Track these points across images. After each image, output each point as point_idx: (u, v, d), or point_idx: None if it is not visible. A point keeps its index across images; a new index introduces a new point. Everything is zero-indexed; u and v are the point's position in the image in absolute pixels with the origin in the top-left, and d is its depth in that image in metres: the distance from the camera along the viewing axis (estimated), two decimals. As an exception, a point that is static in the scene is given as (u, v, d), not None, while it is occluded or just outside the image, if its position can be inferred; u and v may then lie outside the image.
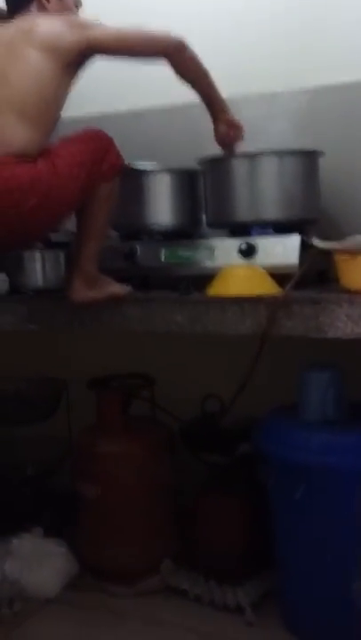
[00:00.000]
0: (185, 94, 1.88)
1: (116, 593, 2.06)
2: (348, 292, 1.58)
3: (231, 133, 1.91)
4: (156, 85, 2.01)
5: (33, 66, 1.69)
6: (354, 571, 1.43)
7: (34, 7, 1.84)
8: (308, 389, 1.77)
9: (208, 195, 1.96)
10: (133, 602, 2.03)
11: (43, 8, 1.84)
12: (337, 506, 1.66)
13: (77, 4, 1.93)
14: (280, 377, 1.84)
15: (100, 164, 1.71)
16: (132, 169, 1.92)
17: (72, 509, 2.17)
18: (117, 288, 1.82)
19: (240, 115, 1.92)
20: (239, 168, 1.86)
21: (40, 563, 2.10)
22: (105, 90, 2.22)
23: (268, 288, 1.68)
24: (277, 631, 1.84)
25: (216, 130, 1.91)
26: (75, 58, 1.74)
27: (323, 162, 1.92)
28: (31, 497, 2.35)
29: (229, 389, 1.83)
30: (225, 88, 1.88)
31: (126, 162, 1.81)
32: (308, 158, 1.88)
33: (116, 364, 2.20)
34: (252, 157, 1.85)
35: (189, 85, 1.85)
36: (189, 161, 2.00)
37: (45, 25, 1.74)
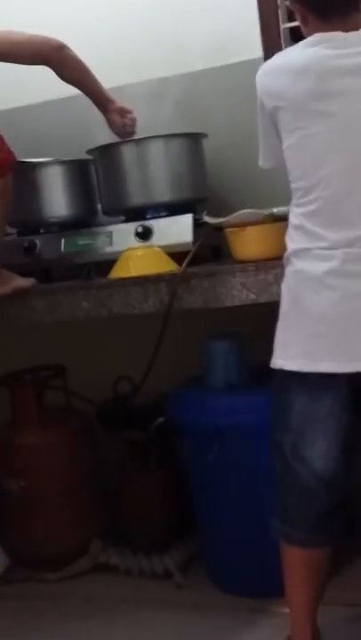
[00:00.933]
0: (68, 88, 1.94)
1: (48, 579, 2.11)
2: (240, 262, 1.70)
3: (126, 120, 1.98)
4: (40, 81, 2.04)
5: None
6: (269, 513, 1.54)
7: None
8: (212, 358, 1.88)
9: (101, 183, 2.02)
10: (67, 584, 2.09)
11: None
12: (247, 460, 1.77)
13: None
14: (187, 351, 1.94)
15: None
16: (24, 163, 1.95)
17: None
18: (22, 281, 1.85)
19: (127, 101, 2.00)
20: (128, 154, 1.94)
21: (-30, 560, 2.12)
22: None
23: (167, 266, 1.77)
24: (206, 589, 1.95)
25: (109, 121, 1.98)
26: None
27: (208, 143, 2.02)
28: None
29: (140, 369, 1.92)
30: (109, 78, 1.96)
31: (17, 157, 1.85)
32: (193, 140, 1.97)
33: (27, 358, 2.23)
34: (139, 143, 1.94)
35: (73, 85, 1.91)
36: (80, 152, 2.06)
37: None
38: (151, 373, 1.90)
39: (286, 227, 1.46)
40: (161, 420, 1.99)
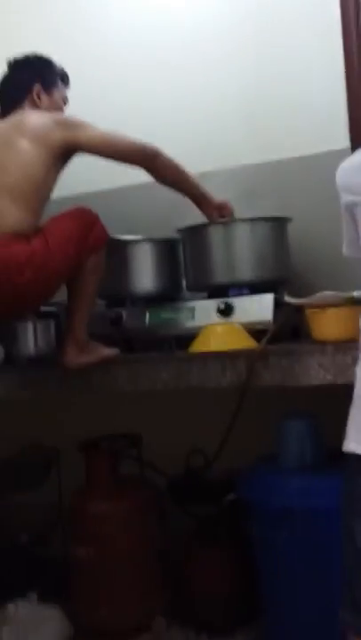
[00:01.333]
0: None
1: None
2: (319, 342, 1.72)
3: (223, 215, 2.07)
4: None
5: (25, 154, 1.86)
6: (338, 601, 1.49)
7: (27, 105, 2.03)
8: (287, 438, 1.88)
9: (187, 261, 2.12)
10: (129, 660, 2.06)
11: (35, 106, 2.03)
12: (318, 544, 1.74)
13: (65, 101, 2.13)
14: (261, 429, 1.94)
15: (88, 238, 1.86)
16: (116, 240, 2.07)
17: (65, 573, 2.21)
18: (107, 351, 1.93)
19: (218, 186, 2.10)
20: (215, 235, 2.03)
21: (36, 627, 2.11)
22: (87, 171, 2.40)
23: (247, 343, 1.81)
24: None
25: (208, 218, 2.08)
26: (61, 151, 1.92)
27: (291, 227, 2.09)
28: (25, 564, 2.37)
29: (214, 443, 1.93)
30: (202, 163, 2.09)
31: (110, 235, 1.97)
32: (278, 224, 2.05)
33: (105, 426, 2.29)
34: (226, 225, 2.03)
35: (169, 187, 2.02)
36: (168, 231, 2.17)
37: (34, 119, 1.94)
38: (224, 449, 1.91)
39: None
40: (232, 496, 1.99)
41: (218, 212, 2.08)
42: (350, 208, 1.49)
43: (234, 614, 2.02)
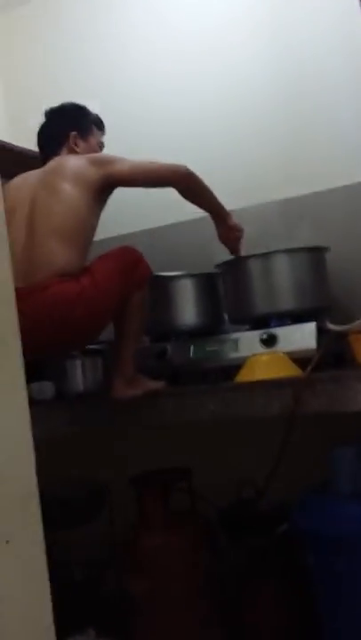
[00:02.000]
0: (195, 210, 2.14)
1: None
2: (364, 367, 1.74)
3: (233, 235, 2.14)
4: (170, 204, 2.26)
5: (68, 197, 1.95)
6: None
7: (64, 152, 2.14)
8: (338, 465, 1.88)
9: (228, 294, 2.16)
10: None
11: (72, 152, 2.13)
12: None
13: (101, 146, 2.23)
14: (310, 456, 1.94)
15: (133, 274, 1.92)
16: (159, 277, 2.13)
17: (120, 609, 2.22)
18: (154, 384, 1.97)
19: (256, 220, 2.15)
20: (254, 267, 2.08)
21: (94, 662, 2.12)
22: (125, 212, 2.49)
23: (292, 371, 1.83)
24: None
25: (219, 233, 2.15)
26: (100, 189, 2.00)
27: (330, 256, 2.13)
28: (81, 601, 2.39)
29: (264, 473, 1.94)
30: (243, 198, 2.18)
31: (154, 272, 2.03)
32: (316, 253, 2.09)
33: (155, 460, 2.31)
34: (264, 257, 2.07)
35: (194, 203, 2.09)
36: (207, 267, 2.22)
37: (71, 162, 2.03)
38: (275, 478, 1.91)
39: None
40: (285, 526, 1.98)
41: (229, 231, 2.13)
42: None
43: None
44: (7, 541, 0.97)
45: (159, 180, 2.04)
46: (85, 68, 2.76)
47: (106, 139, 2.25)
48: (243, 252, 2.17)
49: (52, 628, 1.08)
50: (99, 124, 2.24)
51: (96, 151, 2.20)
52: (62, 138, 2.15)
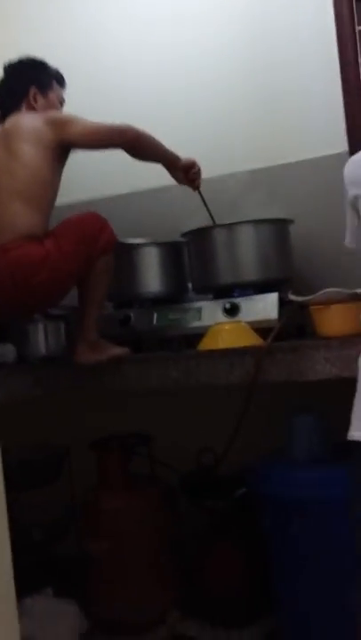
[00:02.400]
0: (163, 178, 2.14)
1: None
2: (324, 338, 1.78)
3: (189, 175, 2.14)
4: (137, 171, 2.26)
5: (28, 157, 1.94)
6: (351, 591, 1.55)
7: (23, 108, 2.10)
8: (295, 432, 1.94)
9: (193, 263, 2.18)
10: (144, 653, 2.11)
11: (31, 108, 2.11)
12: (329, 534, 1.79)
13: (61, 102, 2.20)
14: (269, 425, 2.00)
15: (98, 240, 1.92)
16: (123, 244, 2.14)
17: (79, 569, 2.27)
18: (117, 350, 1.99)
19: (223, 190, 2.17)
20: (219, 237, 2.09)
21: (52, 621, 2.16)
22: (92, 178, 2.47)
23: (253, 341, 1.87)
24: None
25: (176, 178, 2.15)
26: (57, 149, 1.99)
27: (294, 228, 2.16)
28: (40, 560, 2.42)
29: (224, 440, 1.99)
30: (209, 169, 2.17)
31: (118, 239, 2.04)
32: (280, 225, 2.11)
33: (116, 425, 2.34)
34: (229, 227, 2.09)
35: (144, 160, 2.08)
36: (172, 235, 2.23)
37: (27, 122, 2.01)
38: (234, 445, 1.96)
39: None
40: (243, 490, 2.04)
41: (185, 173, 2.13)
42: (355, 201, 1.55)
43: (248, 607, 2.07)
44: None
45: (110, 141, 2.02)
46: (55, 34, 2.69)
47: (73, 102, 2.22)
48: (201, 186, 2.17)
49: (12, 584, 1.11)
50: (59, 79, 2.20)
51: (56, 107, 2.17)
52: (21, 93, 2.11)
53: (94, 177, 2.21)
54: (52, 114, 2.11)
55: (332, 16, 2.24)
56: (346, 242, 1.68)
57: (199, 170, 2.16)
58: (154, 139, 2.06)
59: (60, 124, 1.99)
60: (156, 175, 2.20)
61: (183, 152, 2.07)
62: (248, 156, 2.36)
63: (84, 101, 2.26)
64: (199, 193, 2.18)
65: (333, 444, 1.89)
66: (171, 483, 2.28)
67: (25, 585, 2.26)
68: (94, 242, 1.92)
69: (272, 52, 2.37)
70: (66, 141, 1.99)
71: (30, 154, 1.95)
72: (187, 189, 2.18)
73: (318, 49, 2.28)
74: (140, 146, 2.03)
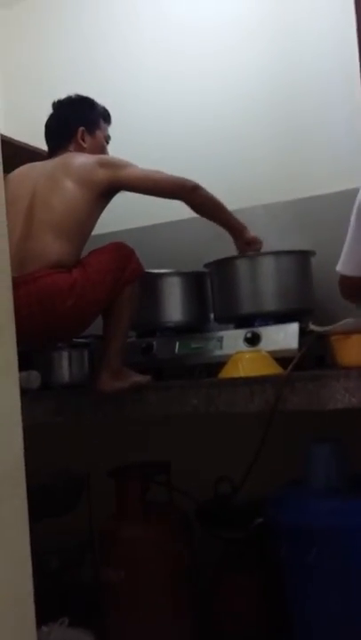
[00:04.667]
0: (186, 210, 2.19)
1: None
2: (344, 367, 1.80)
3: (251, 249, 2.18)
4: (164, 203, 2.32)
5: (69, 194, 2.00)
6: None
7: (71, 147, 2.18)
8: (314, 461, 1.94)
9: (215, 293, 2.22)
10: None
11: (80, 147, 2.18)
12: (347, 564, 1.79)
13: (107, 140, 2.28)
14: (288, 454, 2.01)
15: (124, 270, 1.97)
16: (148, 274, 2.18)
17: (95, 598, 2.26)
18: (139, 377, 2.02)
19: (247, 222, 2.22)
20: (241, 268, 2.14)
21: (68, 650, 2.16)
22: (119, 210, 2.53)
23: (273, 370, 1.89)
24: None
25: (238, 248, 2.20)
26: (104, 191, 2.05)
27: (316, 259, 2.20)
28: (56, 589, 2.42)
29: (242, 469, 1.99)
30: (234, 200, 2.21)
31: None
32: (302, 257, 2.16)
33: (135, 453, 2.36)
34: (251, 258, 2.14)
35: (206, 218, 2.13)
36: (196, 266, 2.28)
37: (79, 161, 2.07)
38: (252, 474, 1.97)
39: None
40: (260, 520, 2.04)
41: (247, 246, 2.18)
42: None
43: (263, 637, 2.05)
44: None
45: (166, 192, 2.08)
46: (85, 62, 2.81)
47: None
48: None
49: (33, 612, 1.11)
50: (105, 117, 2.27)
51: (103, 145, 2.24)
52: (70, 132, 2.18)
53: (120, 209, 2.26)
54: (106, 156, 2.18)
55: (356, 45, 2.27)
56: (340, 268, 1.70)
57: (260, 246, 2.19)
58: (218, 199, 2.10)
59: (116, 166, 2.05)
60: (179, 207, 2.25)
61: (206, 183, 2.12)
62: (272, 187, 2.43)
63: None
64: None
65: (352, 474, 1.90)
66: (188, 510, 2.29)
67: (41, 613, 2.29)
68: (121, 271, 1.97)
69: (296, 82, 2.45)
70: (118, 183, 2.04)
71: (73, 191, 2.00)
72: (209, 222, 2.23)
73: (343, 79, 2.33)
74: (201, 201, 2.07)
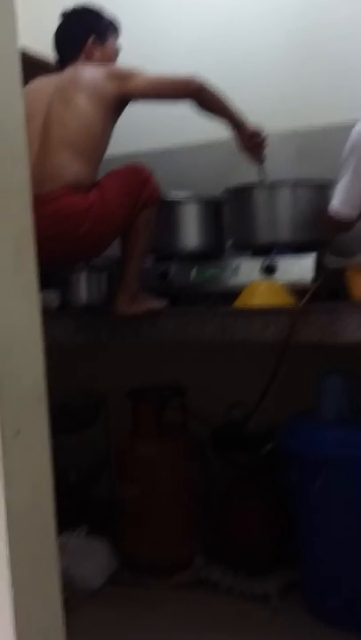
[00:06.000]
0: (210, 132, 2.14)
1: (152, 586, 2.24)
2: (359, 301, 1.79)
3: (255, 143, 2.13)
4: (184, 125, 2.26)
5: (82, 109, 1.96)
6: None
7: (81, 57, 2.12)
8: (326, 391, 1.97)
9: (232, 220, 2.19)
10: (168, 593, 2.20)
11: (90, 58, 2.12)
12: (353, 492, 1.84)
13: (117, 50, 2.21)
14: (300, 384, 2.03)
15: (142, 193, 1.94)
16: (166, 199, 2.15)
17: (111, 512, 2.37)
18: (156, 303, 2.03)
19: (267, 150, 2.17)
20: (260, 196, 2.10)
21: (85, 558, 2.27)
22: (139, 130, 2.48)
23: (288, 300, 1.89)
24: (302, 616, 2.00)
25: (239, 143, 2.14)
26: (116, 103, 2.01)
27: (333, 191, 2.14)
28: (74, 502, 2.53)
29: (255, 396, 2.03)
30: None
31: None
32: (321, 187, 2.10)
33: (151, 376, 2.41)
34: (270, 187, 2.09)
35: (210, 114, 2.07)
36: (214, 192, 2.24)
37: (89, 74, 2.02)
38: (265, 402, 2.01)
39: None
40: (271, 446, 2.09)
41: (249, 141, 2.12)
42: None
43: (270, 557, 2.15)
44: (18, 431, 1.05)
45: (172, 95, 2.03)
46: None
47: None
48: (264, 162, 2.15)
49: (54, 520, 1.18)
50: (115, 28, 2.20)
51: (113, 56, 2.18)
52: (80, 43, 2.12)
53: (140, 129, 2.22)
54: (114, 67, 2.12)
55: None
56: (340, 208, 1.65)
57: (265, 139, 2.14)
58: (219, 93, 2.04)
59: (123, 78, 2.00)
60: (202, 130, 2.19)
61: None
62: (291, 115, 2.34)
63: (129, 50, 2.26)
64: (261, 167, 2.15)
65: (361, 407, 1.93)
66: (201, 435, 2.35)
67: (60, 523, 2.41)
68: (138, 194, 1.94)
69: (316, 10, 2.33)
70: (127, 95, 2.00)
71: (86, 106, 1.97)
72: (232, 146, 2.17)
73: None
74: (206, 97, 2.02)
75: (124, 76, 2.01)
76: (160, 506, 2.26)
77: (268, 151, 2.19)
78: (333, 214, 1.72)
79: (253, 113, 2.16)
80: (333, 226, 1.70)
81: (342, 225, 1.67)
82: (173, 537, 2.27)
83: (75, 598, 2.12)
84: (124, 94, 2.00)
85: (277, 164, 2.21)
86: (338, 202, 1.65)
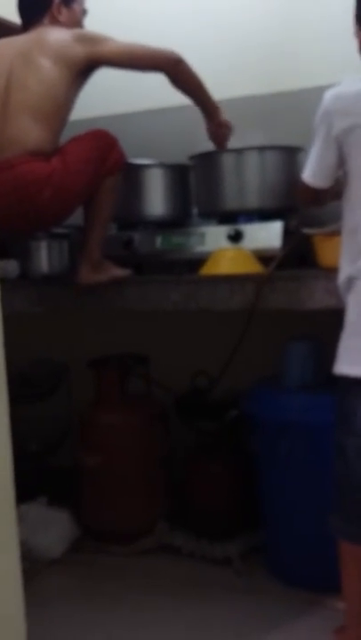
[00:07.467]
0: (176, 97, 2.09)
1: (115, 552, 2.24)
2: (325, 268, 1.80)
3: (221, 132, 2.11)
4: (150, 89, 2.21)
5: (46, 73, 1.89)
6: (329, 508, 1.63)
7: (46, 20, 2.03)
8: (290, 358, 1.98)
9: (199, 187, 2.16)
10: (131, 559, 2.21)
11: (55, 20, 2.03)
12: (315, 457, 1.87)
13: (84, 13, 2.13)
14: (265, 352, 2.04)
15: (106, 159, 1.90)
16: (130, 164, 2.11)
17: (73, 480, 2.36)
18: (119, 271, 2.00)
19: (235, 115, 2.13)
20: (227, 162, 2.07)
21: (45, 527, 2.27)
22: (103, 94, 2.41)
23: (255, 268, 1.89)
24: (265, 579, 2.04)
25: (208, 129, 2.12)
26: (82, 68, 1.94)
27: (303, 157, 2.12)
28: (35, 471, 2.52)
29: (220, 364, 2.03)
30: (221, 92, 2.11)
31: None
32: (288, 153, 2.09)
33: (114, 345, 2.39)
34: (237, 152, 2.06)
35: (184, 94, 2.04)
36: (180, 157, 2.21)
37: (55, 37, 1.94)
38: (229, 369, 2.01)
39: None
40: (235, 412, 2.11)
41: (218, 129, 2.11)
42: (345, 133, 1.53)
43: (232, 521, 2.17)
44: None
45: (149, 64, 1.98)
46: None
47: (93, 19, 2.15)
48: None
49: (12, 490, 1.16)
50: None
51: (80, 19, 2.10)
52: (45, 4, 2.03)
53: (104, 93, 2.16)
54: (83, 31, 2.05)
55: None
56: (311, 180, 1.65)
57: (230, 132, 2.13)
58: (199, 77, 2.01)
59: (94, 42, 1.93)
60: (167, 94, 2.14)
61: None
62: (261, 79, 2.31)
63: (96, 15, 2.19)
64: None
65: (327, 374, 1.94)
66: (165, 403, 2.35)
67: (20, 493, 2.39)
68: (102, 161, 1.90)
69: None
70: (98, 59, 1.93)
71: (49, 70, 1.89)
72: (198, 112, 2.14)
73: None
74: (183, 75, 1.98)
75: (95, 41, 1.94)
76: (123, 474, 2.26)
77: (238, 116, 2.17)
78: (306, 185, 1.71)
79: (225, 76, 2.11)
80: (310, 197, 1.70)
81: (319, 194, 1.66)
82: (136, 504, 2.27)
83: (35, 567, 2.12)
84: (93, 59, 1.93)
85: (247, 129, 2.18)
86: (309, 174, 1.64)
